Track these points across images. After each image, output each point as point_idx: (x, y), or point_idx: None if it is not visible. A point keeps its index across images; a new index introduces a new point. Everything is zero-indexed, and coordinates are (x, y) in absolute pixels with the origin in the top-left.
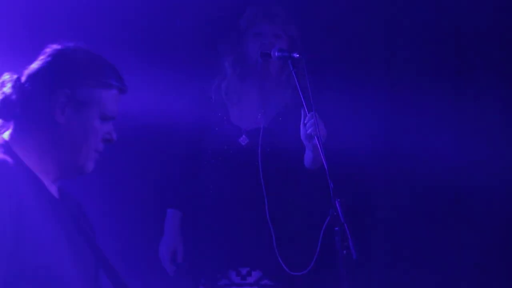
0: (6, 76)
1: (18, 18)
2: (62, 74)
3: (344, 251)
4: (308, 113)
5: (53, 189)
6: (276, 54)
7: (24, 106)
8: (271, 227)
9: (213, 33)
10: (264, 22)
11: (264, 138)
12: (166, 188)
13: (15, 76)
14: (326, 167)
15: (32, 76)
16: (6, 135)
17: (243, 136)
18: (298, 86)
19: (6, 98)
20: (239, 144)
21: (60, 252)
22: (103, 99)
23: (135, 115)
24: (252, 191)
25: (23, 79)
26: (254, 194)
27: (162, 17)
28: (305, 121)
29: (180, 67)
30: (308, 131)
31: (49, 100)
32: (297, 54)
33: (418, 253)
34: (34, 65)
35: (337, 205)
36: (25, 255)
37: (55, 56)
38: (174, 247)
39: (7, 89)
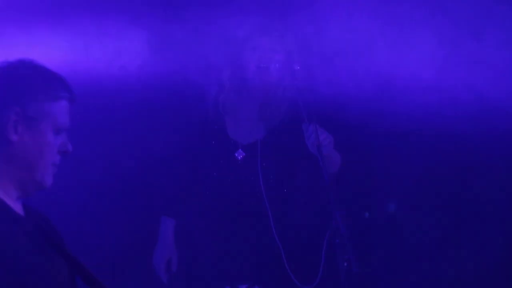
0: None
1: None
2: (9, 93)
3: (345, 264)
4: (310, 126)
5: (18, 207)
6: (276, 66)
7: None
8: (278, 241)
9: (209, 46)
10: (261, 36)
11: (262, 152)
12: (160, 196)
13: None
14: (326, 180)
15: None
16: None
17: (239, 150)
18: (299, 99)
19: None
20: (235, 158)
21: (33, 269)
22: (53, 112)
23: (132, 124)
24: (249, 204)
25: None
26: (251, 207)
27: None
28: (308, 134)
29: (176, 77)
30: (314, 144)
31: (0, 120)
32: (297, 66)
33: (422, 258)
34: None
35: (338, 217)
36: None
37: (0, 76)
38: (169, 255)
39: None
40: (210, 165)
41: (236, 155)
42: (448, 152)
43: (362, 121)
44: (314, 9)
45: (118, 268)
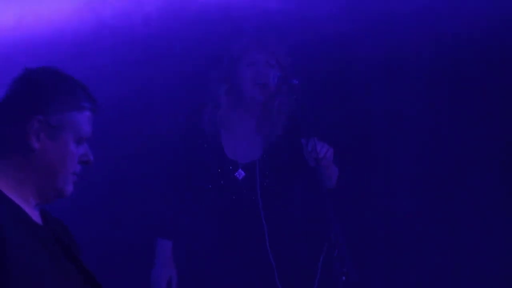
0: None
1: None
2: (33, 100)
3: (343, 277)
4: (310, 140)
5: (35, 215)
6: (272, 81)
7: None
8: (271, 259)
9: (203, 61)
10: (257, 51)
11: (261, 171)
12: (157, 218)
13: None
14: (326, 194)
15: (4, 104)
16: None
17: (240, 170)
18: (299, 113)
19: None
20: (235, 178)
21: (47, 280)
22: (76, 122)
23: (128, 144)
24: (250, 225)
25: None
26: (252, 227)
27: (153, 45)
28: (309, 149)
29: (173, 97)
30: (316, 157)
31: (23, 128)
32: (296, 80)
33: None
34: (5, 93)
35: (337, 229)
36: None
37: (25, 83)
38: (168, 275)
39: None
40: (210, 186)
41: (236, 175)
42: (450, 164)
43: (360, 132)
44: (308, 21)
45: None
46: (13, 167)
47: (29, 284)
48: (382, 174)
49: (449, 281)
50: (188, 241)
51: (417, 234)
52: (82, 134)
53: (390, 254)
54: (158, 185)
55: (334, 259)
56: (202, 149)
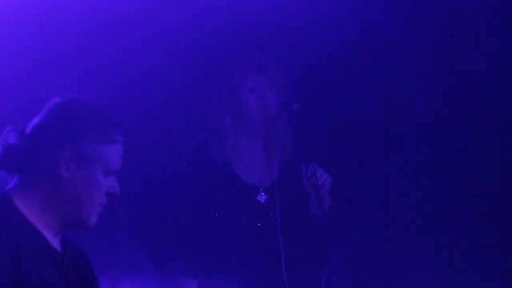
0: (10, 128)
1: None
2: (66, 129)
3: None
4: (310, 165)
5: (55, 242)
6: (274, 104)
7: (28, 159)
8: (286, 282)
9: (203, 88)
10: (258, 75)
11: (280, 195)
12: (181, 259)
13: (19, 128)
14: (324, 219)
15: (37, 130)
16: (9, 188)
17: (261, 194)
18: (299, 138)
19: (11, 150)
20: (258, 202)
21: None
22: (107, 154)
23: (144, 177)
24: (269, 248)
25: (27, 131)
26: (271, 250)
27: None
28: (308, 174)
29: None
30: (315, 183)
31: (53, 155)
32: (296, 105)
33: None
34: (39, 118)
35: (336, 254)
36: None
37: (60, 110)
38: None
39: (12, 141)
40: (235, 215)
41: (259, 198)
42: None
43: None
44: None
45: None
46: (39, 193)
47: None
48: (382, 201)
49: None
50: (214, 275)
51: (419, 259)
52: (111, 166)
53: (391, 279)
54: (179, 225)
55: (333, 284)
56: (217, 182)
